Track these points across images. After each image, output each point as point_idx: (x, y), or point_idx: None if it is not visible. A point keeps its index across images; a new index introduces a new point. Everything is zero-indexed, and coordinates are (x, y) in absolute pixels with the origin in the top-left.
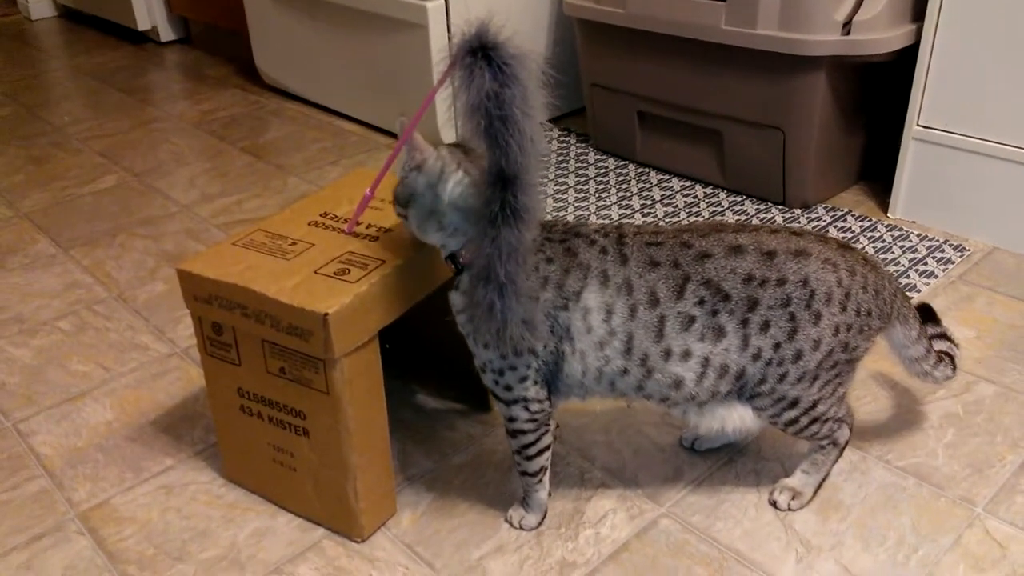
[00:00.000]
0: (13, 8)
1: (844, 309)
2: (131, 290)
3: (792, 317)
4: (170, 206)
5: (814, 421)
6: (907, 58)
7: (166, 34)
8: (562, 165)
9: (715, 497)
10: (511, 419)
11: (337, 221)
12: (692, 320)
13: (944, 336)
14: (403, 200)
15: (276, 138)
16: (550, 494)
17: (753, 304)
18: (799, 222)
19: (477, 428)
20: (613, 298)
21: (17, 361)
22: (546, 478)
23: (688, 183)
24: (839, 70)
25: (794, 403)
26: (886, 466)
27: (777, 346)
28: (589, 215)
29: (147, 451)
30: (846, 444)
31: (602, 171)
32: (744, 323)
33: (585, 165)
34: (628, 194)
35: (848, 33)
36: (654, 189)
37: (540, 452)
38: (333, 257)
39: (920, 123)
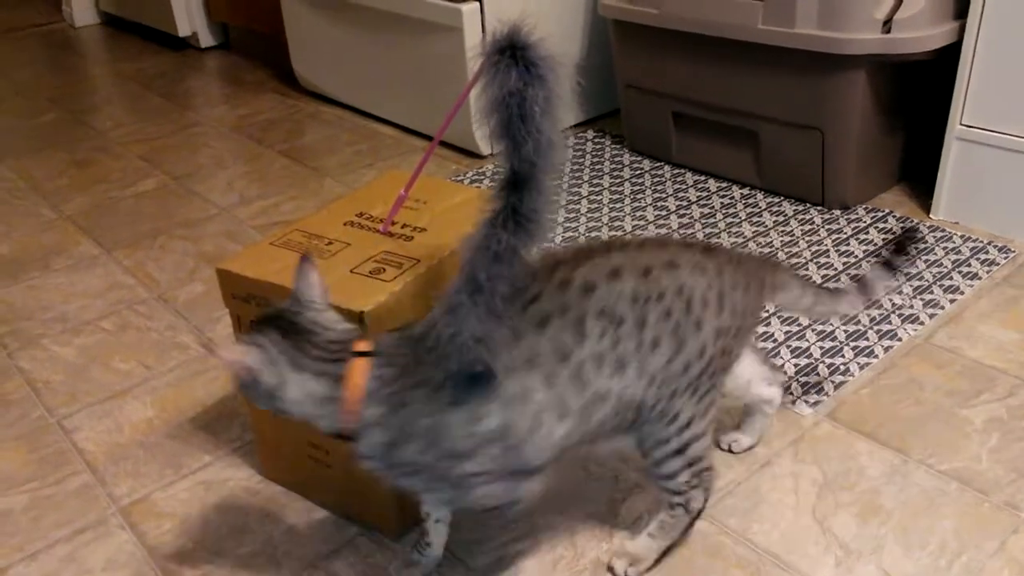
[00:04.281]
0: (57, 16)
1: (720, 311)
2: (171, 291)
3: (677, 327)
4: (209, 208)
5: (680, 451)
6: (949, 56)
7: (206, 40)
8: (597, 167)
9: (751, 500)
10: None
11: (372, 221)
12: (602, 358)
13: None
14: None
15: (313, 141)
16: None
17: (642, 324)
18: (839, 223)
19: None
20: (524, 380)
21: (61, 359)
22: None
23: (725, 184)
24: (879, 69)
25: (674, 418)
26: (928, 470)
27: (668, 363)
28: (624, 217)
29: (186, 448)
30: (698, 515)
31: (637, 172)
32: (638, 347)
33: (620, 167)
34: (664, 196)
35: (888, 31)
36: (690, 190)
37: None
38: (368, 256)
39: (963, 122)
